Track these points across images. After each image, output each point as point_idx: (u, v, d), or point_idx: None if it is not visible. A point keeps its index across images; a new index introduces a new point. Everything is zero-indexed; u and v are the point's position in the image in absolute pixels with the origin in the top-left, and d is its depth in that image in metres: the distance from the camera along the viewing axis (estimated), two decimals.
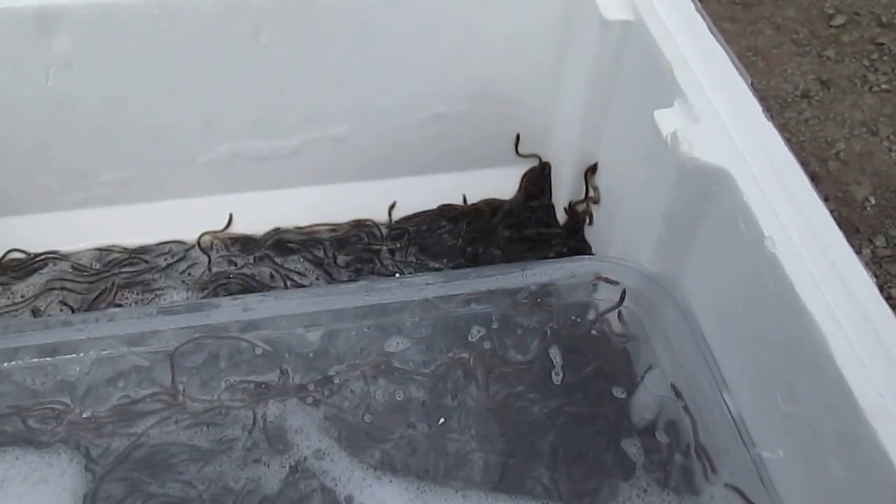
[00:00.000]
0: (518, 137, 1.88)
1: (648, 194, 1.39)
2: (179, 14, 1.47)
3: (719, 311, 1.29)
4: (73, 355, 1.34)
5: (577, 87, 1.65)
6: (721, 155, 1.22)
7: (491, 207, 1.90)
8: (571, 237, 1.80)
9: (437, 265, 1.76)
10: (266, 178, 1.78)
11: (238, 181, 1.78)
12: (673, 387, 1.32)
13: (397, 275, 1.69)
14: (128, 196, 1.76)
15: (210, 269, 1.75)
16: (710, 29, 1.40)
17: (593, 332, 1.46)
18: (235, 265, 1.75)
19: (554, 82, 1.74)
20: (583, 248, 1.77)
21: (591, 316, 1.46)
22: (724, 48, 1.40)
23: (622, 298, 1.40)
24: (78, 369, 1.33)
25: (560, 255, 1.75)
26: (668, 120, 1.32)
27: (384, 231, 1.83)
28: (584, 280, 1.44)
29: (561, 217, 1.84)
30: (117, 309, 1.61)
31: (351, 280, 1.70)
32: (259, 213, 1.80)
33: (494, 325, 1.44)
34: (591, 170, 1.72)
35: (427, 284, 1.41)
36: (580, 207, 1.77)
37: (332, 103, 1.68)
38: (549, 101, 1.78)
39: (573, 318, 1.45)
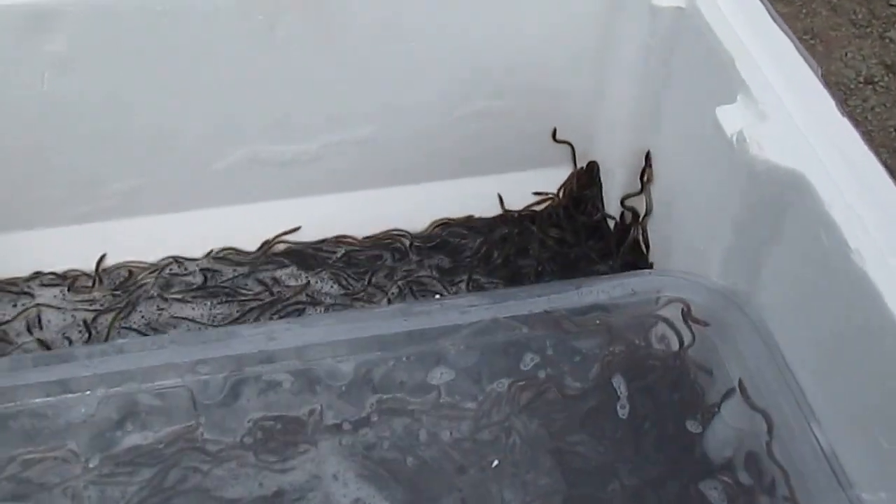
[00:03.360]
0: (555, 130, 1.77)
1: (714, 200, 1.29)
2: (186, 8, 1.37)
3: (801, 333, 1.17)
4: (79, 394, 1.21)
5: (624, 82, 1.56)
6: (795, 157, 1.11)
7: (532, 213, 1.79)
8: (622, 242, 1.69)
9: (475, 279, 1.65)
10: (286, 184, 1.69)
11: (256, 189, 1.68)
12: (763, 416, 1.17)
13: (437, 296, 1.58)
14: (137, 207, 1.66)
15: (225, 286, 1.64)
16: (770, 14, 1.30)
17: (660, 356, 1.32)
18: (253, 281, 1.65)
19: (598, 75, 1.64)
20: (637, 258, 1.65)
21: (659, 338, 1.35)
22: (789, 35, 1.30)
23: (702, 322, 1.26)
24: (84, 410, 1.21)
25: (613, 265, 1.65)
26: (731, 118, 1.21)
27: (416, 242, 1.72)
28: (647, 297, 1.31)
29: (610, 221, 1.74)
30: (126, 340, 1.46)
31: (383, 299, 1.60)
32: (279, 224, 1.70)
33: (549, 352, 1.31)
34: (645, 172, 1.61)
35: (471, 306, 1.27)
36: (631, 205, 1.67)
37: (355, 102, 1.58)
38: (594, 95, 1.68)
39: (637, 341, 1.33)
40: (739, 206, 1.20)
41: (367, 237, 1.72)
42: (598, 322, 1.30)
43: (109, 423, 1.24)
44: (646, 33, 1.43)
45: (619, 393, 1.31)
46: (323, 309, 1.59)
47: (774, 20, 1.29)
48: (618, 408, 1.30)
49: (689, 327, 1.28)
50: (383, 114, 1.61)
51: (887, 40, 2.93)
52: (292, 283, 1.65)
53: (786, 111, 1.16)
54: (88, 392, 1.22)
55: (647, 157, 1.60)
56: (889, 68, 2.79)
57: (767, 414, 1.17)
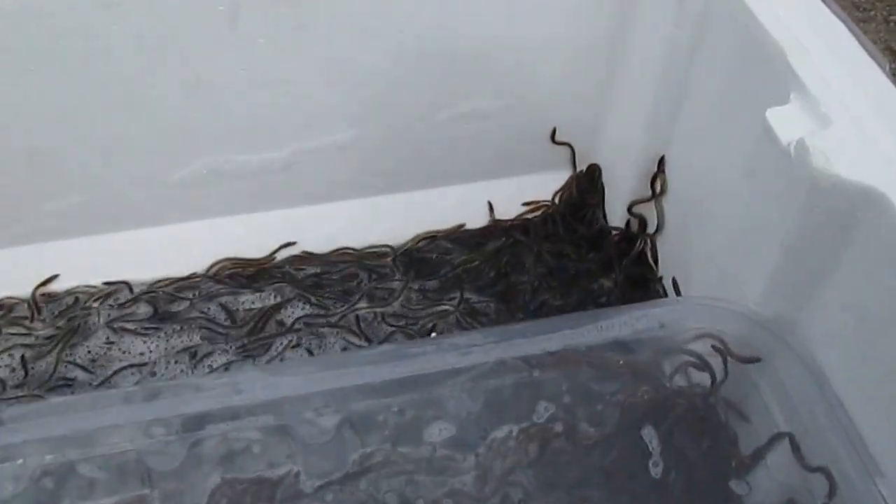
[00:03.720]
0: (554, 130, 1.64)
1: (756, 216, 1.16)
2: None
3: (862, 373, 1.03)
4: (7, 464, 1.04)
5: (638, 76, 1.43)
6: (870, 170, 0.96)
7: (527, 222, 1.68)
8: (626, 254, 1.58)
9: (465, 298, 1.53)
10: (254, 197, 1.56)
11: (219, 203, 1.55)
12: (824, 474, 1.02)
13: (433, 334, 1.44)
14: (81, 227, 1.51)
15: (183, 314, 1.49)
16: None
17: (690, 397, 1.18)
18: (216, 307, 1.51)
19: (608, 69, 1.52)
20: (645, 272, 1.55)
21: (687, 376, 1.21)
22: (847, 22, 1.16)
23: (750, 359, 1.13)
24: (11, 488, 1.02)
25: (617, 280, 1.55)
26: (786, 122, 1.05)
27: (398, 258, 1.59)
28: (681, 332, 1.16)
29: (613, 231, 1.62)
30: (61, 399, 1.25)
31: (368, 339, 1.46)
32: (245, 241, 1.56)
33: (566, 399, 1.16)
34: (657, 178, 1.48)
35: (473, 346, 1.12)
36: (638, 212, 1.55)
37: (332, 104, 1.46)
38: (601, 91, 1.56)
39: (666, 383, 1.19)
40: (794, 224, 1.05)
41: (344, 253, 1.59)
42: (621, 362, 1.16)
43: (45, 497, 1.07)
44: (669, 21, 1.29)
45: (650, 448, 1.14)
46: (294, 340, 1.45)
47: (828, 4, 1.16)
48: (649, 465, 1.11)
49: (725, 364, 1.15)
50: (362, 116, 1.49)
51: (892, 24, 2.80)
52: (258, 306, 1.50)
53: (853, 114, 1.01)
54: (21, 461, 1.04)
55: (661, 162, 1.48)
56: (895, 53, 2.61)
57: (829, 472, 1.02)
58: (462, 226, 1.65)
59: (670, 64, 1.34)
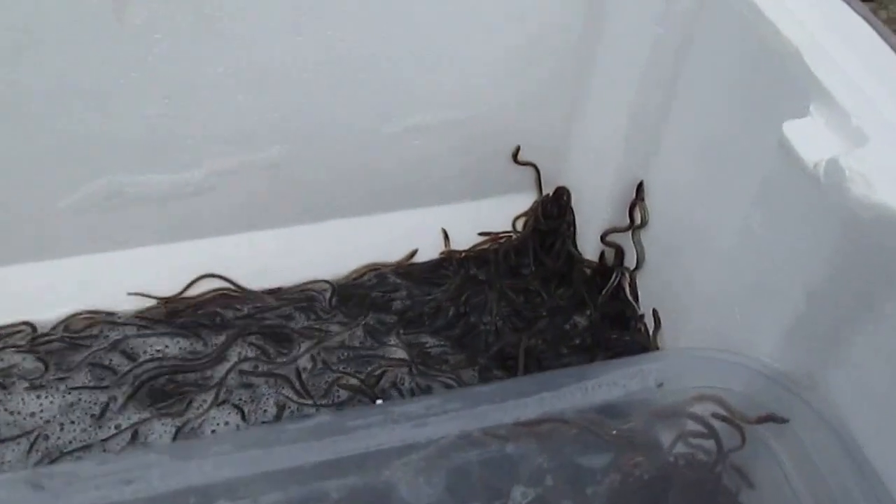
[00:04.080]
0: (517, 149, 1.49)
1: (774, 252, 0.99)
2: None
3: None
4: None
5: (619, 87, 1.28)
6: None
7: (486, 252, 1.53)
8: (601, 288, 1.45)
9: (417, 342, 1.39)
10: (165, 226, 1.40)
11: (122, 233, 1.39)
12: None
13: (378, 400, 1.26)
14: None
15: (84, 361, 1.32)
16: None
17: (701, 472, 1.03)
18: (120, 356, 1.33)
19: (582, 79, 1.37)
20: (623, 308, 1.43)
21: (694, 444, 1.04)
22: (869, 19, 1.01)
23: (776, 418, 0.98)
24: None
25: (592, 317, 1.43)
26: (809, 138, 0.90)
27: (341, 295, 1.43)
28: (682, 391, 1.01)
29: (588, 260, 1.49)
30: None
31: (308, 393, 1.29)
32: (154, 278, 1.39)
33: (548, 481, 0.99)
34: (636, 206, 1.36)
35: (429, 416, 0.95)
36: (613, 241, 1.44)
37: (254, 115, 1.29)
38: (574, 105, 1.42)
39: (673, 458, 1.02)
40: (822, 262, 0.90)
41: (271, 291, 1.43)
42: (614, 432, 1.01)
43: None
44: (652, 20, 1.16)
45: None
46: (221, 396, 1.29)
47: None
48: None
49: (740, 429, 1.01)
50: (292, 129, 1.33)
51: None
52: (173, 353, 1.34)
53: (893, 126, 0.87)
54: None
55: (640, 188, 1.35)
56: None
57: None
58: (412, 256, 1.51)
59: (653, 71, 1.21)
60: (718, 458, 1.01)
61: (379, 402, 1.27)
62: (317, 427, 0.96)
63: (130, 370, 1.30)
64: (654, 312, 1.34)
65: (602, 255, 1.47)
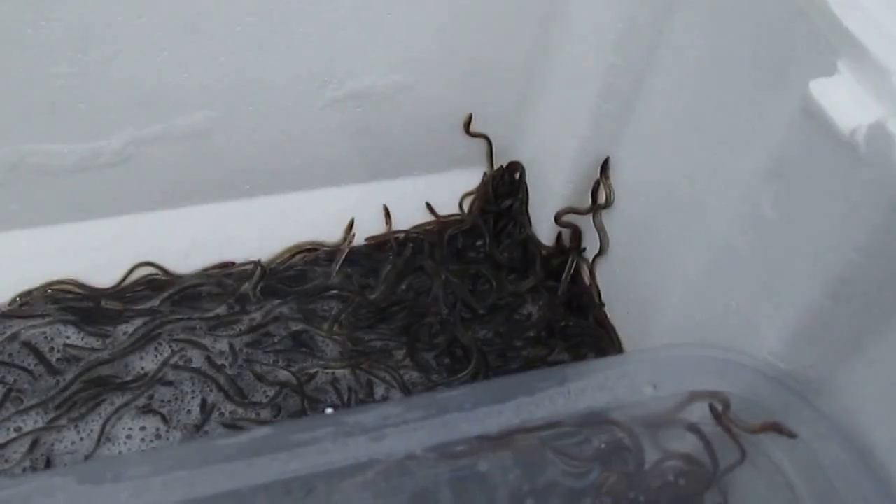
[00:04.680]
0: (469, 118, 1.38)
1: (785, 235, 0.89)
2: None
3: None
4: None
5: (591, 45, 1.18)
6: None
7: (432, 235, 1.42)
8: (562, 281, 1.36)
9: (349, 336, 1.28)
10: (76, 202, 1.29)
11: (27, 210, 1.28)
12: None
13: (328, 409, 1.16)
14: None
15: None
16: None
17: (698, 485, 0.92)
18: (20, 347, 1.22)
19: (548, 35, 1.27)
20: (583, 300, 1.34)
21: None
22: None
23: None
24: None
25: (552, 307, 1.34)
26: (840, 100, 0.78)
27: (263, 280, 1.32)
28: (674, 394, 0.90)
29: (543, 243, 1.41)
30: None
31: (242, 393, 1.20)
32: (61, 260, 1.29)
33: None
34: (599, 185, 1.27)
35: (387, 427, 0.84)
36: (569, 221, 1.35)
37: (179, 76, 1.18)
38: (535, 66, 1.31)
39: (670, 476, 0.91)
40: (855, 249, 0.80)
41: (191, 273, 1.33)
42: (602, 445, 0.90)
43: None
44: None
45: None
46: (136, 396, 1.18)
47: None
48: None
49: (737, 440, 0.91)
50: (222, 93, 1.22)
51: None
52: (80, 344, 1.24)
53: None
54: None
55: (605, 166, 1.25)
56: None
57: None
58: (350, 234, 1.39)
59: (630, 24, 1.10)
60: (716, 472, 0.91)
61: (328, 410, 1.17)
62: (254, 442, 0.84)
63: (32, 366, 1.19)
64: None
65: (559, 237, 1.38)
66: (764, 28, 0.91)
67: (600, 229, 1.27)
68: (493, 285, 1.37)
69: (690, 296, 1.08)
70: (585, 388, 0.89)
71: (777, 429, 0.89)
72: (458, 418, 0.86)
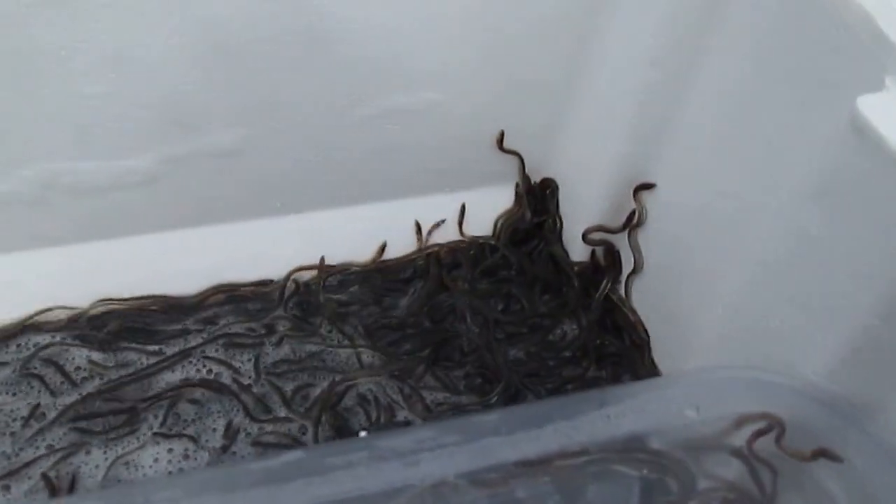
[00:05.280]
0: (502, 135, 1.35)
1: (833, 255, 0.88)
2: None
3: None
4: None
5: (627, 58, 1.16)
6: None
7: (462, 253, 1.40)
8: (596, 300, 1.33)
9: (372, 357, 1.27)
10: (106, 220, 1.26)
11: (56, 228, 1.25)
12: None
13: (362, 432, 1.13)
14: None
15: None
16: None
17: None
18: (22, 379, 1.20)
19: (580, 49, 1.23)
20: (617, 319, 1.32)
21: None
22: None
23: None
24: None
25: (587, 326, 1.31)
26: (889, 114, 0.77)
27: (295, 296, 1.32)
28: (719, 417, 0.87)
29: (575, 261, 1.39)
30: None
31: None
32: (91, 276, 1.28)
33: None
34: (635, 196, 1.24)
35: (421, 451, 0.82)
36: (600, 238, 1.32)
37: (211, 94, 1.16)
38: (571, 81, 1.27)
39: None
40: None
41: (224, 289, 1.31)
42: (644, 472, 0.86)
43: None
44: None
45: None
46: (161, 420, 1.16)
47: None
48: None
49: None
50: (255, 111, 1.20)
51: None
52: (104, 362, 1.22)
53: None
54: None
55: (643, 184, 1.23)
56: None
57: None
58: (381, 254, 1.38)
59: (670, 40, 1.08)
60: (764, 501, 0.88)
61: (362, 433, 1.13)
62: (286, 466, 0.82)
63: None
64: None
65: (593, 255, 1.35)
66: (808, 43, 0.89)
67: (635, 248, 1.25)
68: (524, 305, 1.34)
69: (730, 315, 1.06)
70: (626, 411, 0.87)
71: (824, 454, 0.86)
72: (494, 443, 0.84)
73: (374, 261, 1.36)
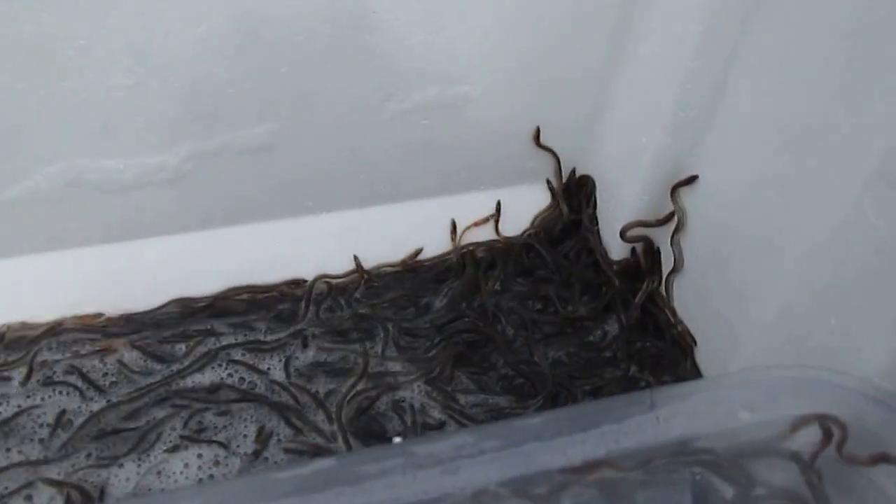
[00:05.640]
0: (538, 131, 1.32)
1: None
2: None
3: None
4: None
5: (667, 48, 1.11)
6: None
7: (499, 252, 1.36)
8: (629, 296, 1.30)
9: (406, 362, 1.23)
10: (132, 220, 1.24)
11: (81, 228, 1.22)
12: None
13: (397, 438, 1.09)
14: None
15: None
16: None
17: None
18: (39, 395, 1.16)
19: (619, 39, 1.20)
20: (658, 318, 1.27)
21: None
22: None
23: None
24: None
25: (627, 325, 1.28)
26: None
27: (332, 295, 1.30)
28: (775, 420, 0.82)
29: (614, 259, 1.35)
30: None
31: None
32: (118, 278, 1.25)
33: None
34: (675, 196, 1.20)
35: (462, 457, 0.77)
36: (639, 234, 1.28)
37: (241, 87, 1.13)
38: (608, 76, 1.24)
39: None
40: None
41: (252, 288, 1.29)
42: (697, 476, 0.82)
43: None
44: None
45: None
46: (180, 425, 1.13)
47: None
48: None
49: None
50: (285, 104, 1.17)
51: None
52: (133, 366, 1.20)
53: None
54: None
55: (685, 179, 1.18)
56: None
57: None
58: (416, 256, 1.35)
59: (712, 26, 1.03)
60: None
61: (396, 439, 1.09)
62: (317, 475, 0.78)
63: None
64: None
65: (633, 252, 1.32)
66: (860, 21, 0.84)
67: (675, 245, 1.21)
68: (559, 305, 1.31)
69: (782, 313, 1.02)
70: (676, 413, 0.82)
71: (886, 458, 0.81)
72: (537, 448, 0.80)
73: (407, 261, 1.34)
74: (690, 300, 1.22)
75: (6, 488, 1.06)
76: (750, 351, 1.08)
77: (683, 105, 1.12)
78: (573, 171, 1.37)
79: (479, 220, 1.36)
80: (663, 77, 1.13)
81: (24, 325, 1.21)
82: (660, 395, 0.83)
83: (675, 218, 1.19)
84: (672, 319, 1.25)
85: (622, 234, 1.28)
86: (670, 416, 0.81)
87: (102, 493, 1.06)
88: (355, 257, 1.31)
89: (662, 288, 1.27)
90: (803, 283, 0.97)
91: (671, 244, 1.21)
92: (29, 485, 1.06)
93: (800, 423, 0.83)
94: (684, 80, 1.10)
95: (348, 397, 1.17)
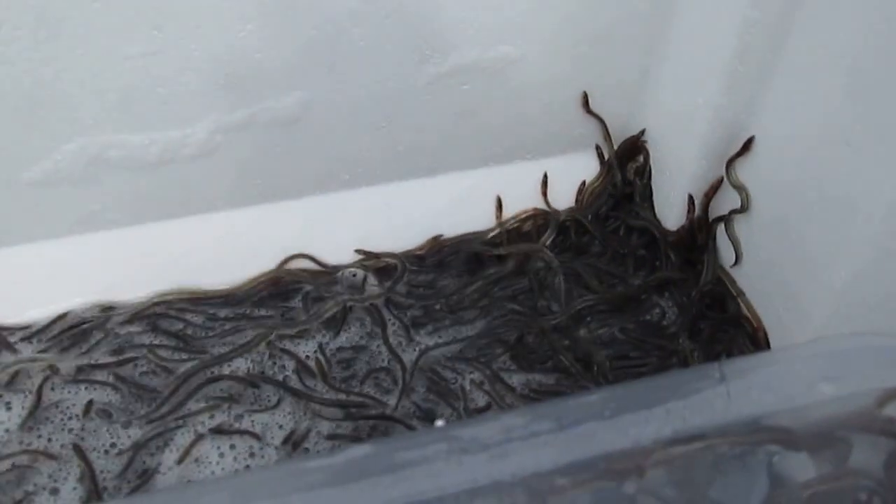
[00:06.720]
0: (586, 97, 1.26)
1: None
2: None
3: None
4: None
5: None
6: None
7: (547, 226, 1.31)
8: (687, 268, 1.25)
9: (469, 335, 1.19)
10: (158, 198, 1.18)
11: (106, 208, 1.17)
12: None
13: (439, 421, 1.04)
14: None
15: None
16: None
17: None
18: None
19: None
20: (718, 289, 1.21)
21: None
22: None
23: None
24: None
25: (688, 302, 1.22)
26: None
27: (368, 278, 1.26)
28: (861, 392, 0.74)
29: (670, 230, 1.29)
30: None
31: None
32: (148, 262, 1.20)
33: None
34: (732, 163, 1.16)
35: (512, 440, 0.70)
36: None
37: (269, 53, 1.07)
38: (658, 28, 1.18)
39: (862, 495, 0.74)
40: None
41: (285, 273, 1.24)
42: (774, 458, 0.75)
43: None
44: None
45: None
46: (214, 415, 1.09)
47: None
48: None
49: None
50: (313, 72, 1.12)
51: None
52: (169, 355, 1.15)
53: None
54: None
55: (748, 142, 1.13)
56: None
57: None
58: (445, 234, 1.31)
59: None
60: None
61: (439, 422, 1.04)
62: (351, 463, 0.71)
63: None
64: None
65: (691, 222, 1.24)
66: None
67: (733, 238, 1.18)
68: (613, 279, 1.25)
69: (855, 278, 0.95)
70: (748, 387, 0.74)
71: None
72: (595, 429, 0.72)
73: (450, 240, 1.28)
74: (754, 269, 1.16)
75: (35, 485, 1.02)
76: (821, 321, 1.02)
77: (741, 59, 1.06)
78: (628, 139, 1.30)
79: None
80: (719, 29, 1.08)
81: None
82: (729, 368, 0.76)
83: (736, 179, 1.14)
84: (732, 290, 1.19)
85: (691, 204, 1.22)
86: (742, 391, 0.74)
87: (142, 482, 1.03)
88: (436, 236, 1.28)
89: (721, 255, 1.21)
90: (880, 246, 0.91)
91: (728, 235, 1.18)
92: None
93: (887, 397, 0.75)
94: (741, 32, 1.04)
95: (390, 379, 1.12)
